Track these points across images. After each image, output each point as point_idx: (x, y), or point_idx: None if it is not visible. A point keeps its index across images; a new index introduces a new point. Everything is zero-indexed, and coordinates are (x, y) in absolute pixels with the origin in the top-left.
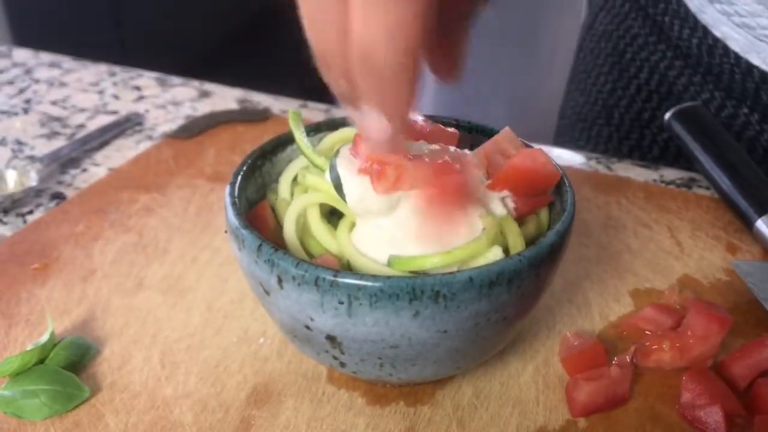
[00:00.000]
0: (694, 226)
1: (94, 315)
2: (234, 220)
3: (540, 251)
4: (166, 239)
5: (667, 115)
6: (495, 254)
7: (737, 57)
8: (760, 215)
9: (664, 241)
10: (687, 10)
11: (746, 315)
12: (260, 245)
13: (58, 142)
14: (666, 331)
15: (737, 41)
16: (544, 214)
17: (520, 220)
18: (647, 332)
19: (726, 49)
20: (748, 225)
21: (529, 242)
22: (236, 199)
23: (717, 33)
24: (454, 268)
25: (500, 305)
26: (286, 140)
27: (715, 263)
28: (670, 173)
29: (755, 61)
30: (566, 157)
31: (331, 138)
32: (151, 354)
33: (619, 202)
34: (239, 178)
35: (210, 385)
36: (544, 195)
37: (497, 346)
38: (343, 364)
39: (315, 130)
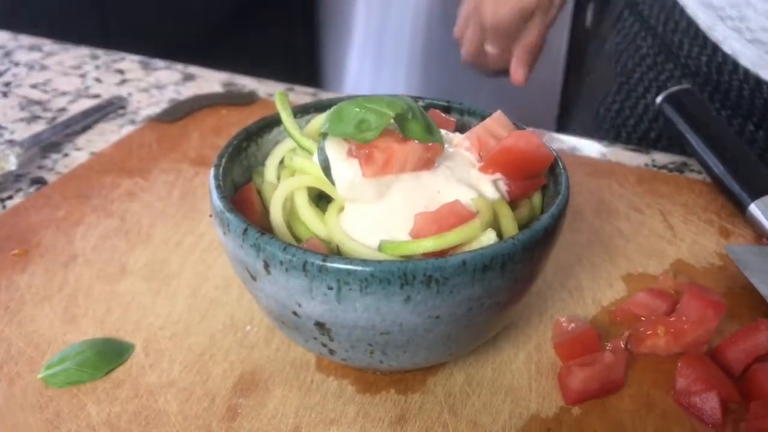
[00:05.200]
0: (687, 210)
1: (76, 301)
2: (219, 203)
3: (534, 234)
4: (149, 224)
5: (659, 99)
6: (488, 238)
7: (746, 73)
8: (753, 199)
9: (656, 225)
10: (697, 28)
11: (740, 299)
12: (246, 229)
13: (39, 126)
14: (660, 316)
15: (747, 57)
16: (537, 197)
17: (513, 203)
18: (641, 318)
19: (735, 65)
20: (741, 209)
21: (522, 226)
22: (221, 182)
23: (727, 49)
24: (448, 253)
25: (493, 290)
26: (272, 121)
27: (708, 247)
28: (663, 157)
29: (765, 76)
30: (557, 139)
31: (319, 119)
32: (135, 341)
33: (611, 186)
34: (224, 160)
35: (195, 373)
36: (538, 178)
37: (490, 331)
38: (332, 352)
39: (302, 111)
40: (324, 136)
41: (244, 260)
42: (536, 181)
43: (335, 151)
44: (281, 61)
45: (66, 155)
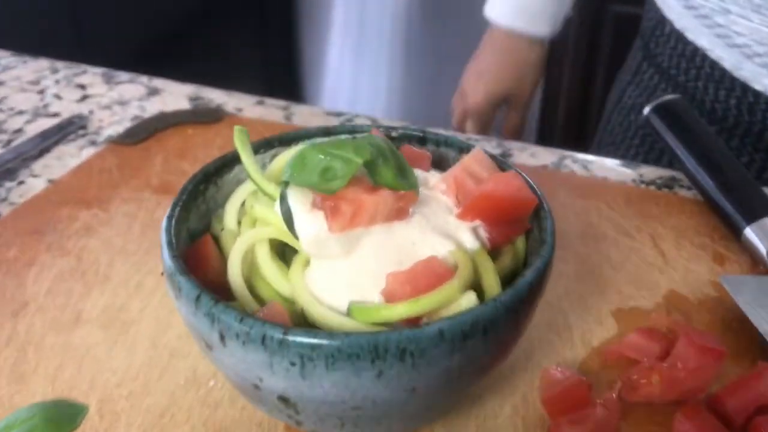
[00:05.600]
0: (678, 233)
1: (26, 356)
2: (170, 263)
3: (518, 294)
4: (107, 263)
5: (647, 110)
6: (468, 301)
7: None
8: (748, 222)
9: (646, 251)
10: (723, 71)
11: (738, 334)
12: (199, 295)
13: None
14: (654, 361)
15: None
16: (520, 242)
17: (495, 251)
18: (634, 360)
19: None
20: (736, 232)
21: (506, 276)
22: (173, 237)
23: (758, 87)
24: (424, 318)
25: (475, 357)
26: (233, 159)
27: (702, 276)
28: (651, 172)
29: None
30: (540, 156)
31: (284, 157)
32: (89, 402)
33: (599, 208)
34: (177, 209)
35: None
36: (521, 222)
37: (472, 392)
38: (299, 423)
39: (266, 146)
40: (286, 184)
41: (198, 329)
42: (519, 226)
43: (298, 201)
44: (257, 58)
45: (21, 183)
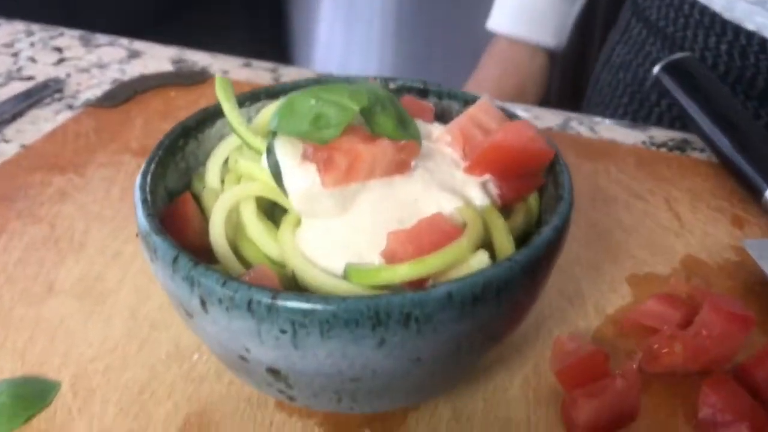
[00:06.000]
0: (693, 196)
1: None
2: (144, 222)
3: (535, 253)
4: (82, 230)
5: (656, 69)
6: (480, 261)
7: None
8: None
9: (660, 215)
10: (713, 16)
11: (761, 299)
12: (176, 257)
13: None
14: (675, 329)
15: None
16: (533, 198)
17: (506, 208)
18: (653, 329)
19: (763, 43)
20: (756, 195)
21: (519, 237)
22: (148, 195)
23: (750, 26)
24: (429, 282)
25: (486, 323)
26: (215, 113)
27: (721, 240)
28: (661, 134)
29: None
30: (545, 117)
31: (272, 109)
32: (61, 378)
33: (608, 170)
34: (153, 165)
35: (132, 419)
36: (534, 177)
37: (481, 363)
38: (291, 398)
39: (252, 99)
40: (273, 135)
41: (177, 294)
42: (532, 181)
43: (287, 154)
44: (242, 29)
45: None
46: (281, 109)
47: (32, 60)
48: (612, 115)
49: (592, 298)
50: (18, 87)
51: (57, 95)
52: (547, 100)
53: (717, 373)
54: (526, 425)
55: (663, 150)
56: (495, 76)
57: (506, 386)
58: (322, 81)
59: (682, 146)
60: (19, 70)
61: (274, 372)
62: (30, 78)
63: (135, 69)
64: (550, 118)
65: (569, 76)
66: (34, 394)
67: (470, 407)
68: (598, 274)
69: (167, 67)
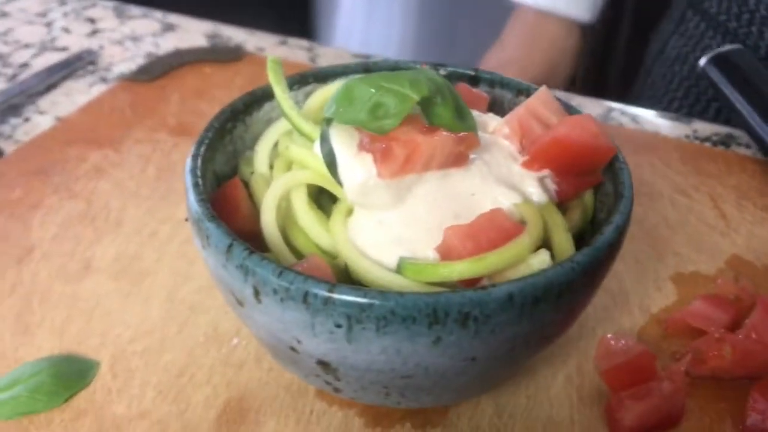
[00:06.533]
0: (740, 194)
1: (30, 306)
2: (197, 207)
3: (597, 255)
4: (119, 208)
5: (703, 61)
6: (541, 261)
7: None
8: None
9: (706, 212)
10: None
11: None
12: (231, 245)
13: None
14: (724, 332)
15: None
16: (588, 196)
17: (562, 205)
18: (700, 330)
19: None
20: None
21: (574, 235)
22: (199, 179)
23: None
24: (484, 280)
25: (544, 325)
26: (263, 95)
27: None
28: (705, 128)
29: None
30: (586, 107)
31: (322, 94)
32: (100, 358)
33: (653, 164)
34: (203, 148)
35: (171, 402)
36: (593, 174)
37: (530, 362)
38: (337, 390)
39: (300, 82)
40: (329, 122)
41: (228, 283)
42: (591, 178)
43: (343, 143)
44: (272, 7)
45: (27, 120)
46: (339, 96)
47: (66, 30)
48: (666, 109)
49: (636, 296)
50: (52, 57)
51: (90, 67)
52: (571, 83)
53: (767, 379)
54: (568, 424)
55: (707, 144)
56: (520, 55)
57: (549, 384)
58: (370, 66)
59: (726, 141)
60: (53, 40)
61: (324, 365)
62: (64, 49)
63: (169, 43)
64: (591, 108)
65: (595, 67)
66: (75, 373)
67: (513, 404)
68: (642, 272)
69: (201, 41)
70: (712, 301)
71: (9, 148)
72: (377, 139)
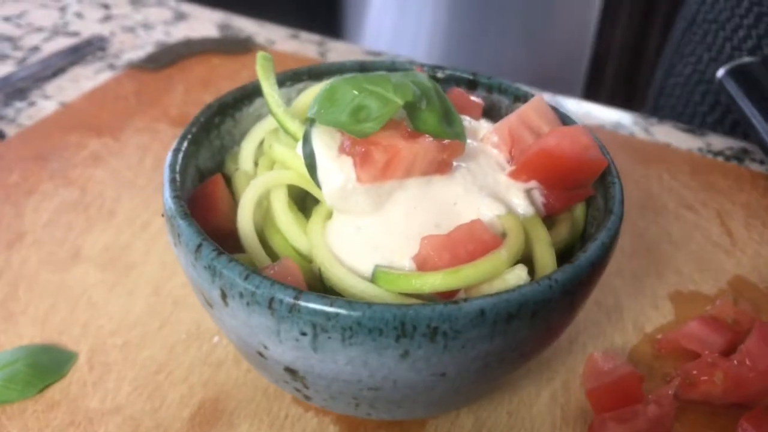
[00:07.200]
0: (749, 212)
1: (16, 293)
2: (170, 203)
3: (577, 273)
4: (113, 198)
5: (720, 73)
6: (517, 276)
7: None
8: None
9: (712, 229)
10: None
11: None
12: (200, 245)
13: (6, 67)
14: (717, 357)
15: None
16: (579, 209)
17: (550, 218)
18: (693, 353)
19: None
20: None
21: (562, 249)
22: (177, 175)
23: None
24: (461, 293)
25: (518, 343)
26: (254, 91)
27: None
28: (719, 142)
29: None
30: (597, 114)
31: (313, 92)
32: (79, 350)
33: (661, 176)
34: (186, 143)
35: (146, 398)
36: (583, 188)
37: (508, 378)
38: (308, 398)
39: (293, 78)
40: (311, 122)
41: (198, 283)
42: (581, 192)
43: (324, 145)
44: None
45: (32, 104)
46: (321, 96)
47: (79, 16)
48: (689, 121)
49: (631, 314)
50: (63, 42)
51: (99, 53)
52: (596, 95)
53: (759, 408)
54: None
55: (720, 159)
56: None
57: (532, 400)
58: (367, 65)
59: (740, 156)
60: (65, 25)
61: (291, 371)
62: (75, 34)
63: (180, 32)
64: (601, 115)
65: (624, 76)
66: (51, 364)
67: (493, 419)
68: (639, 288)
69: (213, 31)
70: (708, 323)
71: (12, 131)
72: (358, 143)
